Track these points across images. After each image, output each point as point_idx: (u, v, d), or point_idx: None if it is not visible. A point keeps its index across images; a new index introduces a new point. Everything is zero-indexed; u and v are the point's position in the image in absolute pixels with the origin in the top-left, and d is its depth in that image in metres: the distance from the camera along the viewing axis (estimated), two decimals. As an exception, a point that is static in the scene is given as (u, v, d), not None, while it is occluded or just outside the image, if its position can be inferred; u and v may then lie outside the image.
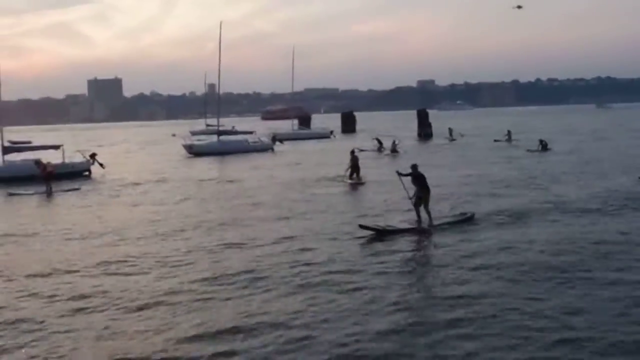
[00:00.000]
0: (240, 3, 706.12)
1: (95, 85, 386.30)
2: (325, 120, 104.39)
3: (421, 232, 16.45)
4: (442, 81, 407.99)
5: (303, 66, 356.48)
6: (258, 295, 11.31)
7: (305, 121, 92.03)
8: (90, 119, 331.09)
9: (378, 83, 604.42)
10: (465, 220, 17.44)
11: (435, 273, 12.70)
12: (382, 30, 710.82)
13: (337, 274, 12.58)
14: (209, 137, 61.29)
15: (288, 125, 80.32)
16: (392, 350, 8.67)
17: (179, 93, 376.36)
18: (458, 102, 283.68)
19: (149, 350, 8.93)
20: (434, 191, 18.00)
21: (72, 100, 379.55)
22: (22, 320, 10.38)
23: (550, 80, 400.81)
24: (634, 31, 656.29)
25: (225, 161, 45.57)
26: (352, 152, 30.49)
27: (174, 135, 79.51)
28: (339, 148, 47.81)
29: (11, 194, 28.45)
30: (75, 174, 34.65)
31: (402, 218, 18.01)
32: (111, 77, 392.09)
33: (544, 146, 42.37)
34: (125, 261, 14.32)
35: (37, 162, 31.16)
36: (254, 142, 54.95)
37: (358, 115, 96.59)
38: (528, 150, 42.08)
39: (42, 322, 10.31)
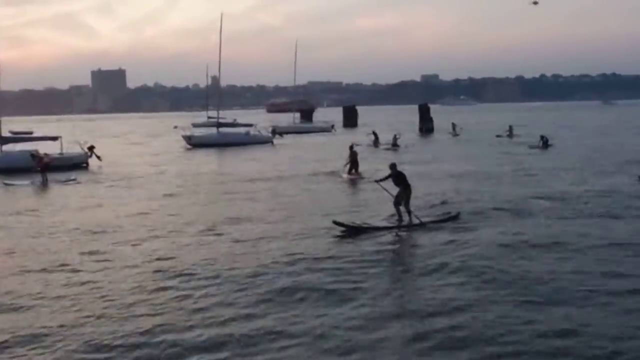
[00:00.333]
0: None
1: (99, 76, 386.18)
2: (328, 114, 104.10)
3: (399, 230, 15.84)
4: (446, 76, 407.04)
5: (307, 59, 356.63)
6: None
7: (307, 115, 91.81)
8: (93, 110, 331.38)
9: (382, 77, 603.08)
10: (449, 220, 16.70)
11: (395, 276, 12.18)
12: (386, 24, 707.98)
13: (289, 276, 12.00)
14: (210, 129, 61.13)
15: (290, 119, 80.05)
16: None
17: (182, 85, 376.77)
18: (462, 97, 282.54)
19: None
20: (427, 186, 17.69)
21: (76, 91, 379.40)
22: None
23: (555, 76, 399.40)
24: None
25: (223, 153, 45.41)
26: (351, 147, 30.19)
27: (175, 127, 79.30)
28: (340, 142, 47.49)
29: (6, 184, 28.31)
30: (72, 165, 34.48)
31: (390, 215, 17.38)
32: (115, 68, 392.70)
33: (544, 142, 42.00)
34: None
35: (33, 155, 31.12)
36: (253, 135, 54.72)
37: (361, 109, 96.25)
38: (529, 147, 41.73)
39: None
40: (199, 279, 11.92)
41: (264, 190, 24.81)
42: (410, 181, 16.86)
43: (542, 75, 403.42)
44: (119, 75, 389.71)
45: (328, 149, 46.00)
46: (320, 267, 12.56)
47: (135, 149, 52.62)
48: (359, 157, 29.17)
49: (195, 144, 51.90)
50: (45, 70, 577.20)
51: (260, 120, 79.38)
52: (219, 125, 56.14)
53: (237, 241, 15.12)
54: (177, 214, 19.43)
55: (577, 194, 20.86)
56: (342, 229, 15.61)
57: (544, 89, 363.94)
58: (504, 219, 17.08)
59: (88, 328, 9.46)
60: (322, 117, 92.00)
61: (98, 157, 35.90)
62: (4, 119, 38.26)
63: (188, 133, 56.39)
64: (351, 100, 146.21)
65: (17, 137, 38.45)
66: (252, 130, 56.28)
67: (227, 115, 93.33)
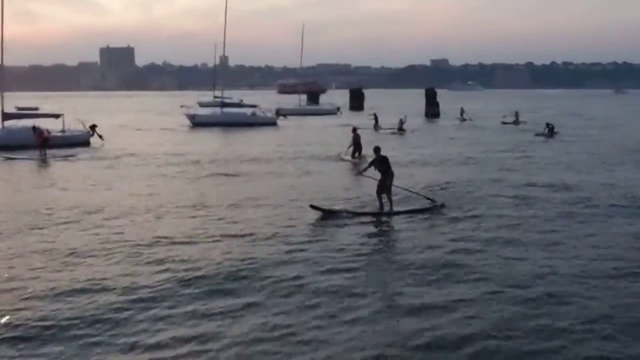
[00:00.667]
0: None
1: (107, 53, 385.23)
2: (336, 96, 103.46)
3: (377, 217, 15.38)
4: (456, 61, 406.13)
5: (316, 41, 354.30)
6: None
7: (314, 97, 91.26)
8: (101, 87, 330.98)
9: (391, 60, 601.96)
10: (431, 209, 16.08)
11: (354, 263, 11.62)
12: (396, 8, 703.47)
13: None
14: (215, 109, 60.95)
15: (297, 100, 79.65)
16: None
17: (190, 64, 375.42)
18: (470, 82, 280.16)
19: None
20: (425, 173, 17.38)
21: (84, 67, 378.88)
22: None
23: (565, 63, 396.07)
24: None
25: (226, 133, 45.22)
26: (354, 130, 29.86)
27: (182, 106, 79.13)
28: (344, 125, 47.17)
29: (7, 158, 28.64)
30: (74, 144, 34.36)
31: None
32: (124, 45, 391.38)
33: (550, 130, 41.58)
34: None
35: (35, 128, 31.29)
36: (257, 116, 54.42)
37: (369, 92, 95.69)
38: (535, 134, 41.30)
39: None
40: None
41: (260, 171, 24.56)
42: (394, 168, 16.43)
43: (553, 63, 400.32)
44: (127, 52, 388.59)
45: (332, 131, 45.71)
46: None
47: (139, 127, 52.43)
48: (362, 140, 28.83)
49: (198, 123, 51.85)
50: (54, 47, 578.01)
51: (271, 101, 78.95)
52: (223, 105, 55.93)
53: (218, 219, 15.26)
54: (164, 193, 19.34)
55: (578, 184, 20.46)
56: (320, 213, 15.32)
57: (554, 77, 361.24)
58: (494, 209, 16.46)
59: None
60: (329, 99, 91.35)
61: (100, 136, 35.82)
62: (12, 94, 38.25)
63: (192, 112, 56.20)
64: (360, 83, 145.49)
65: (20, 114, 38.22)
66: (257, 111, 56.09)
67: (235, 95, 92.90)
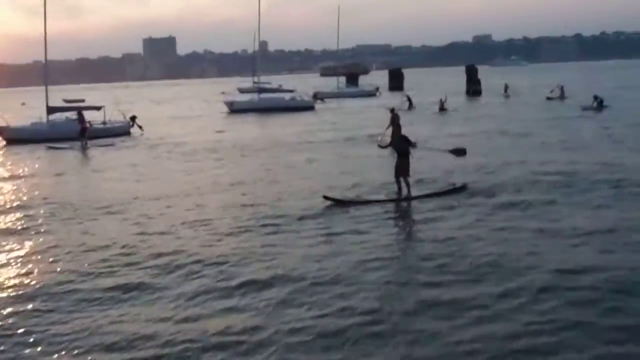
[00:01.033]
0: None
1: (150, 44, 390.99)
2: (376, 77, 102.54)
3: (396, 204, 14.64)
4: (500, 36, 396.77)
5: (355, 22, 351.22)
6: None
7: (353, 78, 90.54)
8: (145, 77, 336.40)
9: (432, 39, 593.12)
10: (453, 192, 15.25)
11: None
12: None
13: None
14: (254, 95, 61.22)
15: (335, 83, 79.21)
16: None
17: (230, 51, 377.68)
18: (513, 57, 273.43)
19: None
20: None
21: (128, 59, 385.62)
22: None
23: (616, 33, 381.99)
24: None
25: (263, 119, 45.30)
26: (392, 110, 29.44)
27: (222, 93, 79.75)
28: (383, 106, 46.56)
29: (49, 148, 30.42)
30: (115, 134, 35.06)
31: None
32: (165, 35, 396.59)
33: (599, 103, 40.02)
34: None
35: (80, 113, 33.14)
36: (295, 100, 54.34)
37: (410, 71, 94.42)
38: (582, 108, 39.86)
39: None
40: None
41: (295, 156, 24.42)
42: (414, 150, 15.53)
43: (603, 33, 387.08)
44: (169, 42, 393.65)
45: (370, 113, 45.22)
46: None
47: (179, 116, 53.00)
48: (401, 120, 28.36)
49: (236, 109, 52.15)
50: (100, 40, 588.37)
51: (312, 84, 78.48)
52: (261, 90, 56.19)
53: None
54: (195, 178, 19.65)
55: (628, 163, 18.73)
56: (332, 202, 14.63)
57: (604, 48, 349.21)
58: (521, 194, 15.23)
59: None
60: (371, 80, 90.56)
61: (139, 127, 36.60)
62: (61, 87, 39.31)
63: (230, 99, 56.58)
64: (400, 63, 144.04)
65: (64, 107, 39.13)
66: (295, 96, 56.04)
67: (276, 80, 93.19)
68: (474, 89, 64.68)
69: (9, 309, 8.98)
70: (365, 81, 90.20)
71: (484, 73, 72.53)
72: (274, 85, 74.79)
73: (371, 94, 70.59)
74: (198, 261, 10.85)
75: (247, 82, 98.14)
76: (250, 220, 13.65)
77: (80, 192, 18.85)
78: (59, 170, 23.75)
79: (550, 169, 18.54)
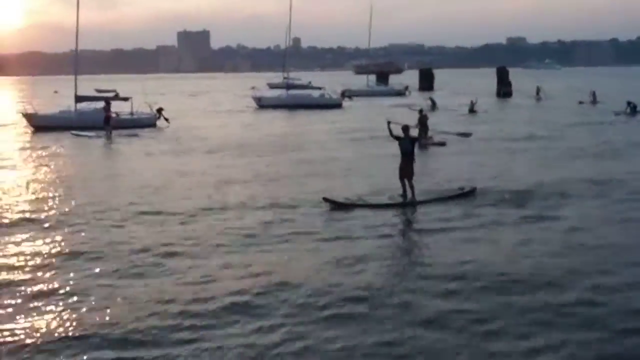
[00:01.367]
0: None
1: (185, 37, 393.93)
2: (408, 77, 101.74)
3: (399, 208, 13.98)
4: (534, 39, 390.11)
5: (388, 21, 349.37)
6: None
7: (384, 77, 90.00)
8: (178, 70, 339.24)
9: (466, 40, 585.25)
10: (461, 196, 14.63)
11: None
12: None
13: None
14: (281, 91, 61.32)
15: (364, 81, 78.84)
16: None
17: (263, 46, 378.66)
18: (546, 60, 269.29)
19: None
20: (477, 161, 16.41)
21: (162, 51, 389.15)
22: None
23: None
24: None
25: (290, 115, 45.30)
26: (421, 110, 29.50)
27: (252, 87, 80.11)
28: (408, 106, 46.16)
29: (75, 135, 31.31)
30: (142, 126, 35.36)
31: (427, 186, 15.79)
32: (200, 29, 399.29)
33: (632, 108, 39.12)
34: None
35: (107, 102, 34.05)
36: (323, 97, 54.23)
37: (442, 72, 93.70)
38: (615, 113, 39.00)
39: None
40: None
41: (314, 154, 24.27)
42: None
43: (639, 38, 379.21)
44: (203, 36, 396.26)
45: (397, 112, 44.79)
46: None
47: (207, 109, 53.33)
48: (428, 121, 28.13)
49: (264, 105, 52.26)
50: (134, 31, 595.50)
51: (346, 81, 78.07)
52: (289, 86, 56.20)
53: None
54: (213, 173, 19.59)
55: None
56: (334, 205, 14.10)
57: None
58: (534, 202, 14.47)
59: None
60: (402, 79, 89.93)
61: (166, 119, 36.83)
62: (94, 77, 39.99)
63: (258, 94, 56.74)
64: (433, 63, 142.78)
65: (91, 97, 39.60)
66: (324, 93, 55.93)
67: (307, 77, 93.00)
68: (504, 90, 63.91)
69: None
70: (397, 80, 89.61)
71: (516, 75, 71.44)
72: (304, 82, 74.75)
73: (400, 93, 70.05)
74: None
75: (278, 77, 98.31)
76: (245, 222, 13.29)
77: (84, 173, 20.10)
78: (78, 154, 24.99)
79: (572, 175, 17.85)
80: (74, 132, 31.69)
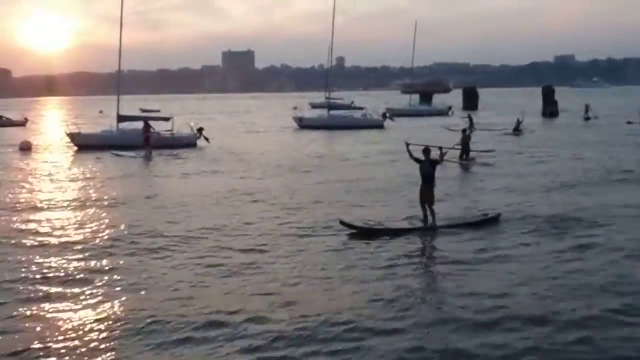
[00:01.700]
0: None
1: (229, 57, 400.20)
2: (453, 96, 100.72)
3: (418, 233, 13.50)
4: (583, 56, 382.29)
5: (432, 40, 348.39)
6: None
7: (427, 97, 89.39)
8: (223, 89, 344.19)
9: (512, 58, 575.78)
10: (484, 223, 14.08)
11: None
12: (515, 4, 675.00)
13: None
14: (323, 111, 61.38)
15: (406, 101, 78.27)
16: None
17: (307, 66, 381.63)
18: (594, 79, 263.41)
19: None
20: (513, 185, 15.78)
21: (207, 71, 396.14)
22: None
23: None
24: None
25: (331, 135, 45.09)
26: (464, 130, 29.19)
27: (294, 107, 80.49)
28: (455, 126, 45.45)
29: (115, 155, 31.61)
30: (182, 145, 35.67)
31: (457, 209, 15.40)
32: (244, 49, 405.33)
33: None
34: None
35: (146, 123, 34.69)
36: (364, 118, 54.08)
37: (487, 91, 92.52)
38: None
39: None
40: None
41: (351, 174, 24.07)
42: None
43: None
44: (247, 56, 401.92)
45: (439, 133, 44.14)
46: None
47: (248, 129, 53.59)
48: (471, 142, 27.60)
49: (305, 125, 52.28)
50: (180, 52, 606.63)
51: (390, 100, 77.96)
52: (331, 107, 56.13)
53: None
54: (252, 192, 19.62)
55: None
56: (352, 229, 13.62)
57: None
58: (564, 229, 13.61)
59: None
60: (449, 99, 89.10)
61: (206, 139, 36.93)
62: (137, 97, 40.77)
63: (299, 114, 56.87)
64: (478, 82, 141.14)
65: (133, 116, 40.29)
66: (366, 113, 55.69)
67: (350, 96, 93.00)
68: (550, 110, 62.63)
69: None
70: (443, 100, 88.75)
71: (563, 94, 70.17)
72: (346, 102, 74.65)
73: (442, 112, 69.28)
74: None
75: (320, 97, 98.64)
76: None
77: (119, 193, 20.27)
78: (114, 174, 25.25)
79: (610, 201, 16.70)
80: (114, 151, 32.10)
